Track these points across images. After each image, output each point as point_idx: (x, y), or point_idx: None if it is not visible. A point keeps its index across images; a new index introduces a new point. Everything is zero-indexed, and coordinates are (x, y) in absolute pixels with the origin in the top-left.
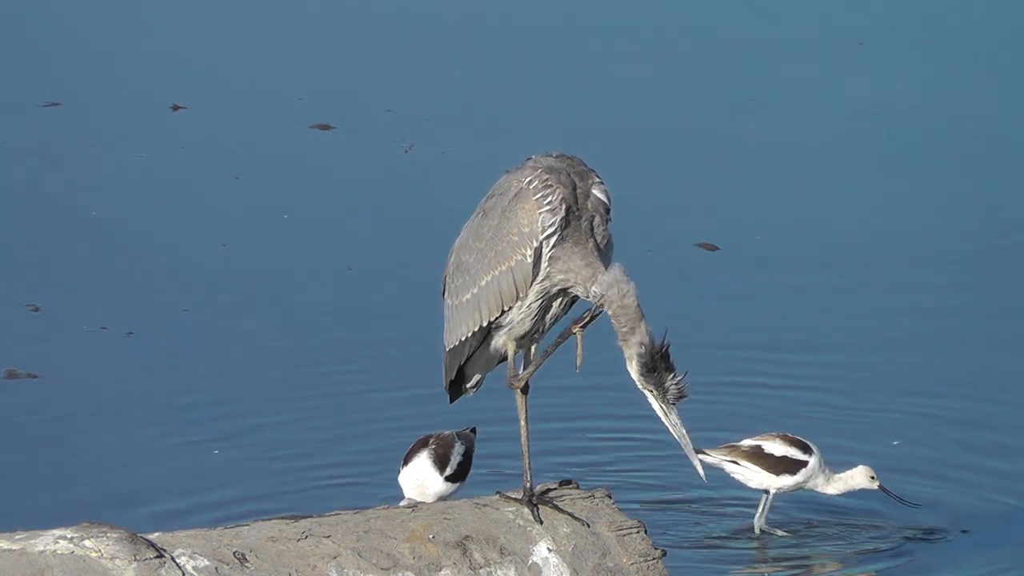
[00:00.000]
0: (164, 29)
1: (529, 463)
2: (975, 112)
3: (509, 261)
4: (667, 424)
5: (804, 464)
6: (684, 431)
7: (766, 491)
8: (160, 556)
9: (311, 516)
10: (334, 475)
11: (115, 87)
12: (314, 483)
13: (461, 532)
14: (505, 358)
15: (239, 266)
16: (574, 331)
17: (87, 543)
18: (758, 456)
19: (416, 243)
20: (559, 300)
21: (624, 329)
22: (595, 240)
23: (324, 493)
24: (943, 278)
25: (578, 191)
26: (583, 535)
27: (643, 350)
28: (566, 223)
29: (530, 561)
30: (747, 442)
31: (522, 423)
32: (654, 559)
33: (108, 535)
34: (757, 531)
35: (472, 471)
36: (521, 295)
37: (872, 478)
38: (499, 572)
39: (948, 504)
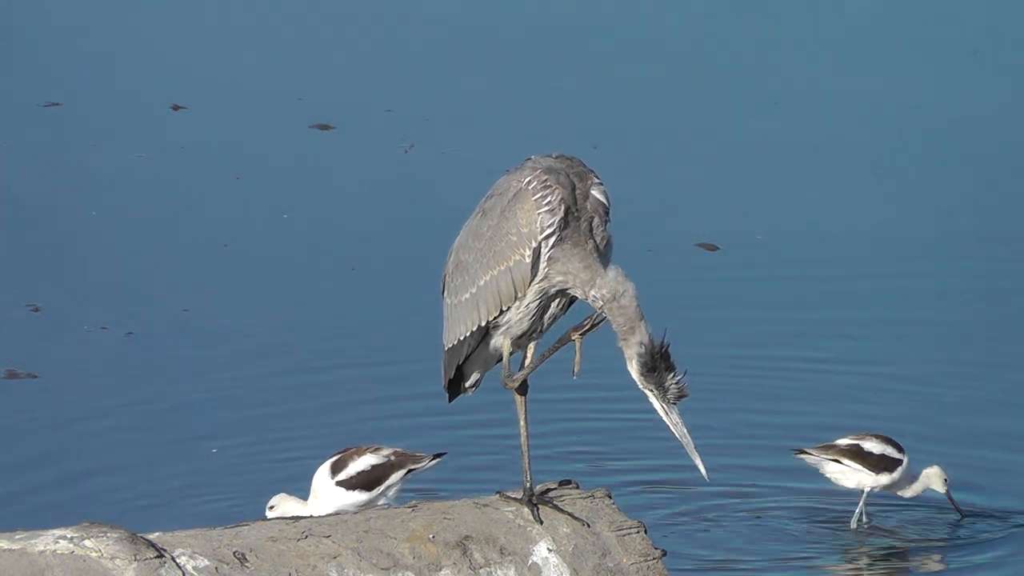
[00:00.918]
0: (164, 29)
1: (529, 463)
2: (975, 112)
3: (508, 261)
4: (668, 423)
5: (900, 462)
6: (686, 430)
7: (862, 490)
8: (160, 556)
9: (311, 516)
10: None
11: (115, 87)
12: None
13: (461, 532)
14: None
15: (239, 266)
16: (573, 338)
17: (87, 543)
18: (857, 454)
19: (416, 243)
20: (558, 300)
21: (624, 329)
22: (595, 241)
23: None
24: (944, 278)
25: (577, 192)
26: (583, 535)
27: (643, 350)
28: (565, 224)
29: (530, 561)
30: (844, 441)
31: (521, 423)
32: (654, 559)
33: (108, 535)
34: (854, 526)
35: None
36: (519, 295)
37: (945, 480)
38: (499, 572)
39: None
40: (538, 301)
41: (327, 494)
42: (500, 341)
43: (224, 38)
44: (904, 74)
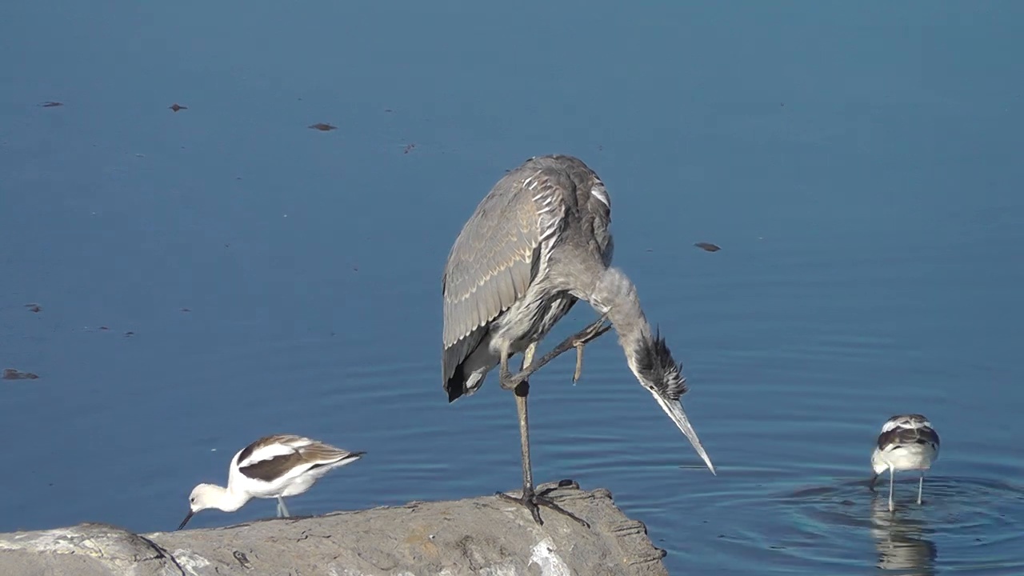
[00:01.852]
0: (164, 29)
1: (529, 463)
2: (975, 112)
3: (508, 262)
4: (672, 419)
5: (936, 440)
6: (689, 425)
7: (923, 470)
8: (160, 556)
9: (311, 516)
10: (334, 474)
11: (115, 87)
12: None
13: (461, 532)
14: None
15: (240, 266)
16: (575, 344)
17: (87, 543)
18: (932, 435)
19: (416, 243)
20: (558, 301)
21: (623, 327)
22: (596, 242)
23: (324, 493)
24: (943, 278)
25: (578, 192)
26: (583, 535)
27: (640, 347)
28: (565, 224)
29: (530, 561)
30: (914, 424)
31: (522, 424)
32: (654, 559)
33: (108, 535)
34: (891, 509)
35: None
36: (519, 295)
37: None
38: (499, 572)
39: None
40: (538, 302)
41: (233, 480)
42: (499, 343)
43: (224, 38)
44: (904, 74)
